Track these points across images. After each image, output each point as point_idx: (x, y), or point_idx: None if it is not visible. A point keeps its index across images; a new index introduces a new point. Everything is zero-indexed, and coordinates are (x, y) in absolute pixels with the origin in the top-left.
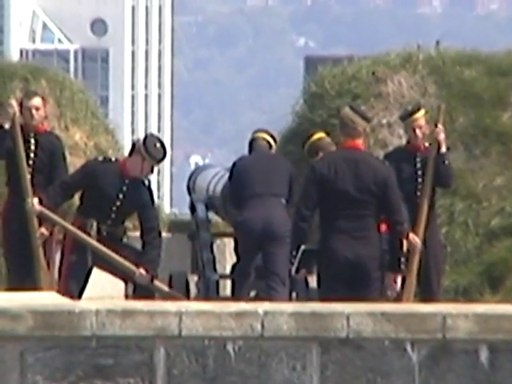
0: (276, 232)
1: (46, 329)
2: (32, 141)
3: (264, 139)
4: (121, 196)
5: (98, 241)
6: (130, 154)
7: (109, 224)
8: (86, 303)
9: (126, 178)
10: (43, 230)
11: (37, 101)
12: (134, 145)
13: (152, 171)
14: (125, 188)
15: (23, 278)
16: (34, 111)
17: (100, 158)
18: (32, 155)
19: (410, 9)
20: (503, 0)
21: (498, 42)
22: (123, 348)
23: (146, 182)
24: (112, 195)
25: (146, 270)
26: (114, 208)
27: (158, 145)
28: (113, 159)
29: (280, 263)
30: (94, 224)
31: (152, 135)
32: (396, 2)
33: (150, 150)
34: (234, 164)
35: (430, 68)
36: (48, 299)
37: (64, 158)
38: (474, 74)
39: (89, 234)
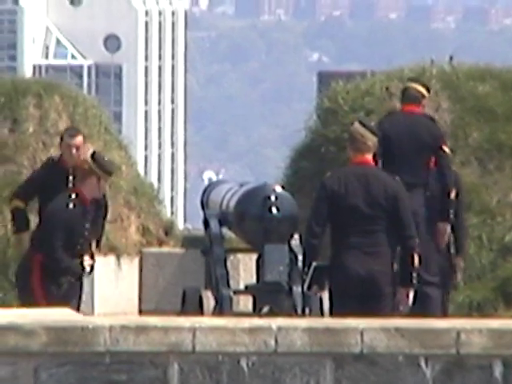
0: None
1: (60, 345)
2: (70, 177)
3: (415, 89)
4: (87, 225)
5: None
6: (73, 182)
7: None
8: (99, 319)
9: (87, 207)
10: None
11: (79, 140)
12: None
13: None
14: (89, 216)
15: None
16: (74, 150)
17: (70, 206)
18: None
19: (424, 24)
20: None
21: (511, 56)
22: (137, 364)
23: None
24: (81, 234)
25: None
26: (82, 239)
27: (106, 158)
28: (73, 196)
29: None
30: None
31: (95, 152)
32: (409, 18)
33: (105, 167)
34: (380, 121)
35: (444, 83)
36: (61, 315)
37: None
38: (488, 89)
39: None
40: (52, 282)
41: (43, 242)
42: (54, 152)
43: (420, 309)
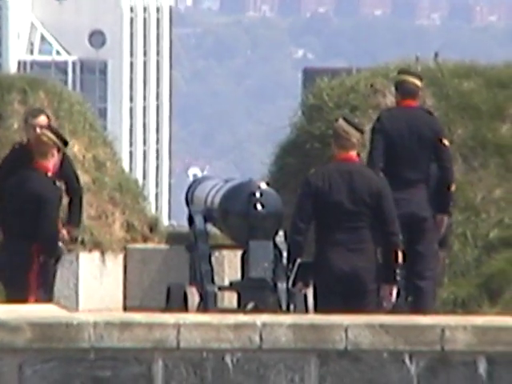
0: (420, 223)
1: (44, 341)
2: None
3: (412, 83)
4: None
5: None
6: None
7: None
8: (84, 315)
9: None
10: (65, 233)
11: (42, 119)
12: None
13: None
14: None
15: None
16: (38, 130)
17: (58, 185)
18: None
19: (409, 21)
20: (502, 12)
21: (497, 53)
22: (121, 360)
23: None
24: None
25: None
26: None
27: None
28: (49, 174)
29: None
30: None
31: (50, 123)
32: (395, 14)
33: (63, 136)
34: (379, 117)
35: (429, 80)
36: (46, 311)
37: (73, 167)
38: (473, 86)
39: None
40: (48, 272)
41: (44, 229)
42: None
43: (414, 303)
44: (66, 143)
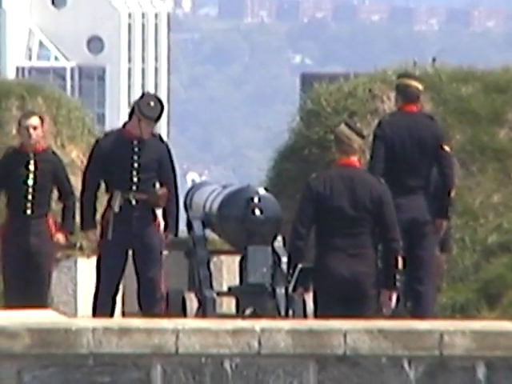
0: (421, 228)
1: (43, 347)
2: (31, 161)
3: (415, 87)
4: (135, 157)
5: (128, 211)
6: (130, 115)
7: (135, 191)
8: (82, 321)
9: (133, 140)
10: (60, 237)
11: (34, 120)
12: (133, 106)
13: (152, 131)
14: (136, 149)
15: (21, 298)
16: (31, 130)
17: (104, 134)
18: (31, 175)
19: (407, 26)
20: (499, 17)
21: (494, 58)
22: (120, 366)
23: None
24: (127, 160)
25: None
26: (134, 172)
27: (152, 103)
28: (114, 130)
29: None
30: (119, 195)
31: (148, 93)
32: (392, 20)
33: (142, 110)
34: (380, 123)
35: (427, 85)
36: (45, 317)
37: (65, 172)
38: (471, 91)
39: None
40: None
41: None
42: None
43: (414, 308)
44: (149, 118)
